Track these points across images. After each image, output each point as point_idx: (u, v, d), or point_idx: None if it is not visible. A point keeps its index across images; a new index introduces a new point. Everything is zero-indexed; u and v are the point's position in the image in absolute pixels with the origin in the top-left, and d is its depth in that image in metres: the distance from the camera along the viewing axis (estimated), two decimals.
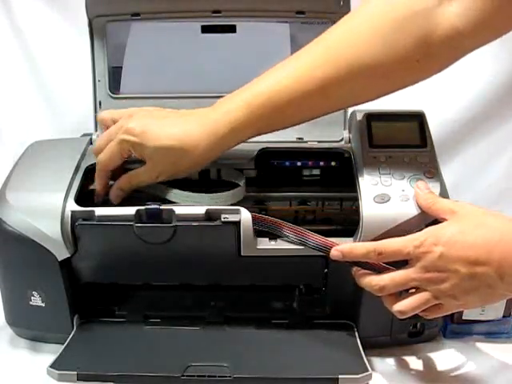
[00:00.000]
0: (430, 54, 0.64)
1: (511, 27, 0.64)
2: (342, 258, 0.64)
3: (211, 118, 0.69)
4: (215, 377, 0.64)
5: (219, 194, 0.72)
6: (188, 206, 0.69)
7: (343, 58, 0.65)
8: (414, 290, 0.63)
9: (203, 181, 0.84)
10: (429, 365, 0.71)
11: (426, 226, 0.63)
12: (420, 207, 0.66)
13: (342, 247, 0.65)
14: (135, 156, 0.70)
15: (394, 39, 0.64)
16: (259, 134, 0.71)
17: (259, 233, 0.69)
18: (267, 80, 0.68)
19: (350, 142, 0.79)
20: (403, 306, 0.62)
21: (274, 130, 0.71)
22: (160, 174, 0.70)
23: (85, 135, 0.85)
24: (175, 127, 0.69)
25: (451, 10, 0.63)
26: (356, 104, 0.72)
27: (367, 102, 0.70)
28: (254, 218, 0.68)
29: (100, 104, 0.83)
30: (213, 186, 0.83)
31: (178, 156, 0.68)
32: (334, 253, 0.65)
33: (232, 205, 0.71)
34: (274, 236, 0.69)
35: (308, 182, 0.80)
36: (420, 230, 0.62)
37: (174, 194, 0.72)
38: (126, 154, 0.70)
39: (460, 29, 0.63)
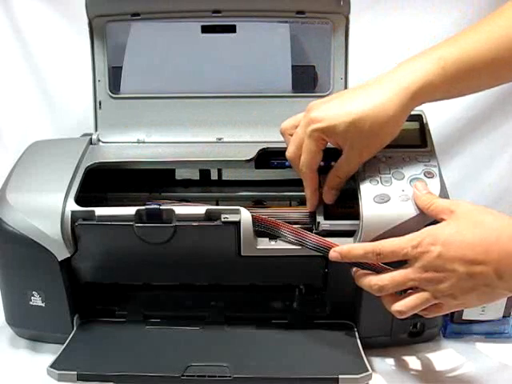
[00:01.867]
0: None
1: None
2: (341, 259, 0.64)
3: (396, 77, 0.66)
4: (215, 377, 0.64)
5: None
6: (188, 206, 0.69)
7: None
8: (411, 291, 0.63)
9: (203, 181, 0.84)
10: (429, 365, 0.71)
11: (426, 226, 0.63)
12: (419, 208, 0.66)
13: (341, 248, 0.65)
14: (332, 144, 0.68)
15: None
16: (449, 97, 0.69)
17: (259, 233, 0.69)
18: (461, 39, 0.67)
19: None
20: (402, 306, 0.62)
21: (463, 95, 0.69)
22: (361, 152, 0.68)
23: (85, 135, 0.85)
24: (360, 97, 0.66)
25: None
26: None
27: None
28: (253, 219, 0.68)
29: (100, 104, 0.83)
30: (213, 185, 0.83)
31: (372, 125, 0.65)
32: (333, 254, 0.65)
33: (232, 205, 0.71)
34: (273, 236, 0.69)
35: None
36: (419, 230, 0.62)
37: None
38: (323, 146, 0.68)
39: None
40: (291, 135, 0.71)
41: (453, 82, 0.66)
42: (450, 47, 0.66)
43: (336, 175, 0.70)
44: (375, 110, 0.65)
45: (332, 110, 0.67)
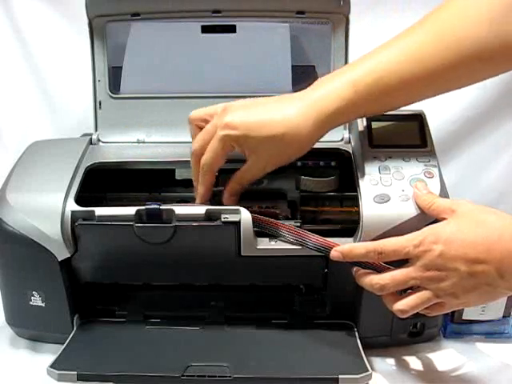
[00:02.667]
0: None
1: None
2: (342, 259, 0.64)
3: (313, 98, 0.67)
4: (215, 377, 0.64)
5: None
6: (188, 206, 0.69)
7: (454, 41, 0.64)
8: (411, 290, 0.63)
9: None
10: (429, 365, 0.71)
11: (426, 225, 0.63)
12: (419, 208, 0.66)
13: (342, 248, 0.65)
14: (238, 151, 0.69)
15: (501, 23, 0.63)
16: (363, 116, 0.70)
17: (259, 233, 0.69)
18: (374, 60, 0.67)
19: (349, 141, 0.79)
20: (404, 305, 0.62)
21: (377, 113, 0.70)
22: (266, 165, 0.69)
23: (85, 135, 0.85)
24: (276, 114, 0.67)
25: None
26: (457, 88, 0.70)
27: (468, 86, 0.69)
28: (252, 219, 0.68)
29: (100, 104, 0.83)
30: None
31: (282, 143, 0.66)
32: (334, 253, 0.65)
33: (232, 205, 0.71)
34: (273, 236, 0.69)
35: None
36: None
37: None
38: (229, 151, 0.68)
39: None
40: (198, 127, 0.71)
41: (366, 105, 0.67)
42: (363, 69, 0.67)
43: (237, 182, 0.71)
44: (291, 130, 0.66)
45: (249, 118, 0.67)
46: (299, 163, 0.79)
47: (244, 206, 0.68)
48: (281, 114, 0.67)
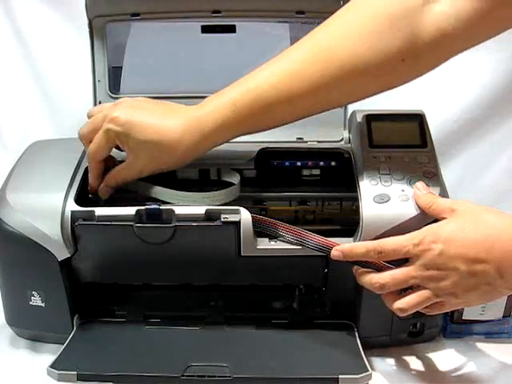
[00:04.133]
0: (417, 54, 0.64)
1: (503, 28, 0.64)
2: (343, 258, 0.64)
3: (197, 115, 0.68)
4: (215, 377, 0.64)
5: (213, 192, 0.72)
6: (188, 206, 0.69)
7: (333, 58, 0.65)
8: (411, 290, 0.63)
9: (203, 181, 0.84)
10: (429, 365, 0.71)
11: (426, 225, 0.63)
12: (420, 208, 0.66)
13: (343, 247, 0.65)
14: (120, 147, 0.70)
15: (381, 38, 0.64)
16: (246, 134, 0.70)
17: (259, 233, 0.69)
18: (255, 78, 0.68)
19: (349, 142, 0.79)
20: (404, 304, 0.62)
21: (261, 130, 0.71)
22: (143, 168, 0.70)
23: None
24: (160, 122, 0.68)
25: (440, 9, 0.62)
26: (344, 104, 0.71)
27: (356, 101, 0.69)
28: (252, 219, 0.68)
29: (100, 104, 0.83)
30: (213, 185, 0.83)
31: (160, 151, 0.68)
32: (335, 253, 0.65)
33: (232, 205, 0.71)
34: (272, 236, 0.69)
35: (308, 182, 0.80)
36: None
37: (168, 193, 0.72)
38: (113, 144, 0.70)
39: (449, 30, 0.62)
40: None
41: (247, 123, 0.68)
42: (243, 88, 0.67)
43: (113, 178, 0.72)
44: (168, 141, 0.68)
45: (133, 118, 0.68)
46: (299, 163, 0.79)
47: None
48: (164, 123, 0.68)
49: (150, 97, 0.82)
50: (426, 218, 0.66)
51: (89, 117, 0.74)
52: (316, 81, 0.65)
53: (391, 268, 0.63)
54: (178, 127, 0.68)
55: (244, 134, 0.70)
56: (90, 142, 0.71)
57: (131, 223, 0.68)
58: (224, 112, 0.67)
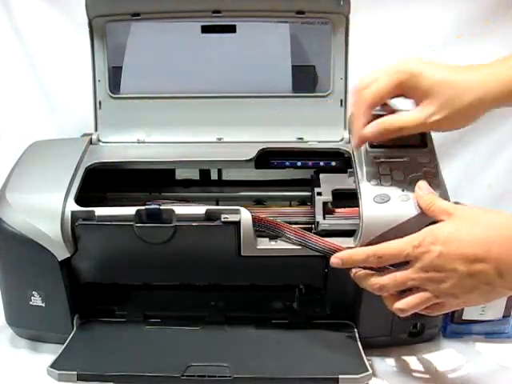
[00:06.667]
0: None
1: None
2: (342, 266, 0.64)
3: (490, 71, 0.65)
4: (215, 377, 0.64)
5: None
6: (188, 206, 0.69)
7: None
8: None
9: (203, 181, 0.84)
10: (429, 365, 0.71)
11: (426, 226, 0.63)
12: (419, 207, 0.66)
13: (342, 254, 0.64)
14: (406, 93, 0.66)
15: None
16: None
17: (259, 233, 0.69)
18: None
19: (350, 142, 0.80)
20: (404, 304, 0.62)
21: None
22: (429, 115, 0.64)
23: (85, 135, 0.85)
24: (454, 67, 0.65)
25: None
26: None
27: None
28: (254, 220, 0.68)
29: (100, 104, 0.83)
30: (213, 185, 0.84)
31: (457, 93, 0.63)
32: (334, 260, 0.65)
33: (232, 205, 0.71)
34: (274, 236, 0.69)
35: (308, 182, 0.80)
36: (420, 231, 0.62)
37: None
38: (398, 90, 0.66)
39: None
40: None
41: None
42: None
43: (392, 122, 0.66)
44: (468, 81, 0.64)
45: (429, 65, 0.65)
46: (299, 163, 0.79)
47: None
48: (458, 68, 0.65)
49: (149, 97, 0.83)
50: (426, 218, 0.66)
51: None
52: None
53: (390, 270, 0.63)
54: (473, 75, 0.64)
55: None
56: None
57: (131, 223, 0.68)
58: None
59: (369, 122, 0.67)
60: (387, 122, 0.66)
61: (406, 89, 0.66)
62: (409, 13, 1.03)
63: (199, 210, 0.68)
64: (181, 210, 0.68)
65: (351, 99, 0.69)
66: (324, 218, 0.70)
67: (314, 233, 0.70)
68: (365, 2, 1.01)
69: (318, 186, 0.73)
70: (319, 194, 0.72)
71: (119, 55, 0.83)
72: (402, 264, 0.62)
